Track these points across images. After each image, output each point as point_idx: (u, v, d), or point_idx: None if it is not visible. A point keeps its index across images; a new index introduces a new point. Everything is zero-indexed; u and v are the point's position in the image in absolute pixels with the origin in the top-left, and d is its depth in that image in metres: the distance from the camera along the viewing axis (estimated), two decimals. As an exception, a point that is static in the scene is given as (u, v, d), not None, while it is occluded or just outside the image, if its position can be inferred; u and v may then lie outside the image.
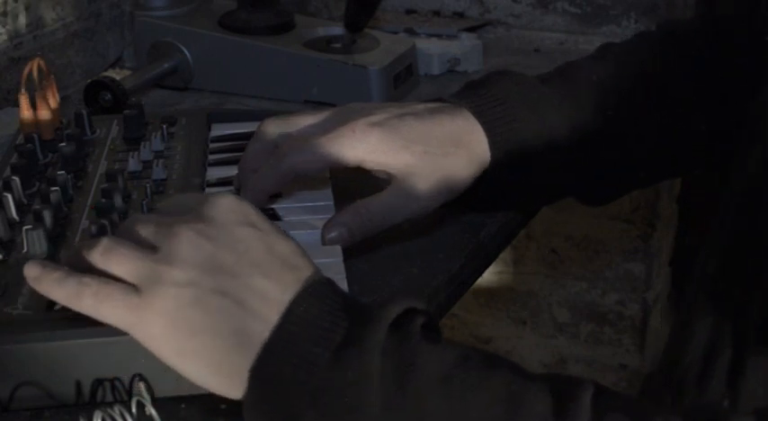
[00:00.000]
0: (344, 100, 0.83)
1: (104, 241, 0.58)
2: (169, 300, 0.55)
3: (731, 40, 0.84)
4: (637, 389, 1.66)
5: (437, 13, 1.48)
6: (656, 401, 0.67)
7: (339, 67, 1.09)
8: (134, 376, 0.60)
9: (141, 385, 0.59)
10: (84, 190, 0.77)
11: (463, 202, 0.79)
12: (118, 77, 1.07)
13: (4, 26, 1.09)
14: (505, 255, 1.64)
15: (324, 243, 0.72)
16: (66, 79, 1.16)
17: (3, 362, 0.59)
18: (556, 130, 0.79)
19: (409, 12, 1.50)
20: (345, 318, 0.54)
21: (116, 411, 0.57)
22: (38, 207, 0.70)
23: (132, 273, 0.56)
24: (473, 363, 0.53)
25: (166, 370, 0.56)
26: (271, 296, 0.55)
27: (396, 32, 1.30)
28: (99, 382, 0.60)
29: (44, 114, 0.84)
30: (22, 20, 1.11)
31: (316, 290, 0.55)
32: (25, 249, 0.67)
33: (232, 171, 0.80)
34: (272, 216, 0.76)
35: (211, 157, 0.85)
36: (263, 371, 0.53)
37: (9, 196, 0.72)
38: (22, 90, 0.83)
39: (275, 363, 0.53)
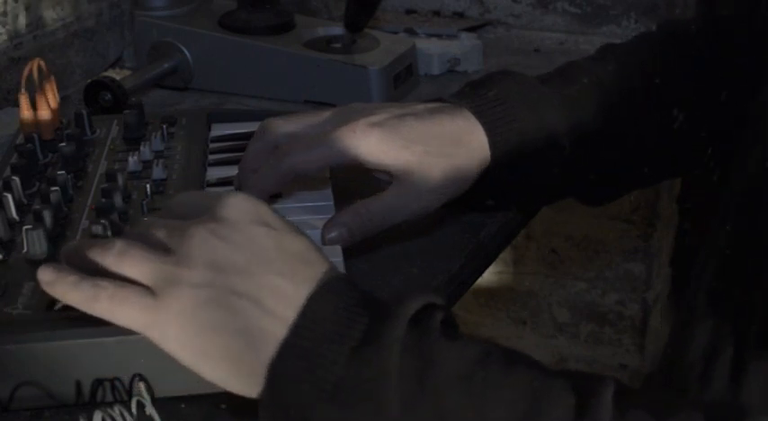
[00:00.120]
0: (344, 100, 0.83)
1: (118, 243, 0.57)
2: (185, 301, 0.54)
3: (731, 40, 0.84)
4: (637, 390, 1.65)
5: (437, 13, 1.48)
6: (676, 394, 0.66)
7: (339, 67, 1.09)
8: (134, 376, 0.60)
9: (141, 385, 0.59)
10: (84, 190, 0.77)
11: (463, 202, 0.79)
12: (118, 77, 1.07)
13: (4, 26, 1.09)
14: (505, 255, 1.64)
15: (324, 243, 0.72)
16: (66, 79, 1.16)
17: (3, 362, 0.59)
18: (556, 130, 0.79)
19: (409, 12, 1.50)
20: (362, 315, 0.53)
21: (116, 411, 0.57)
22: (38, 207, 0.70)
23: (147, 276, 0.56)
24: (494, 360, 0.52)
25: (166, 370, 0.56)
26: (286, 294, 0.54)
27: (396, 32, 1.30)
28: (99, 382, 0.60)
29: (44, 114, 0.84)
30: (22, 20, 1.11)
31: (331, 286, 0.55)
32: (25, 249, 0.67)
33: (232, 171, 0.80)
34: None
35: (211, 157, 0.85)
36: (281, 369, 0.53)
37: (9, 196, 0.72)
38: (22, 90, 0.83)
39: (293, 361, 0.53)
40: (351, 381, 0.51)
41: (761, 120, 0.69)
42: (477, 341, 0.54)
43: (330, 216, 0.74)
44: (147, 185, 0.75)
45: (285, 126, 0.77)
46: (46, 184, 0.74)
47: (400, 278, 0.74)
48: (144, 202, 0.73)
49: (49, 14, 1.15)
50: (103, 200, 0.72)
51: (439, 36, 1.30)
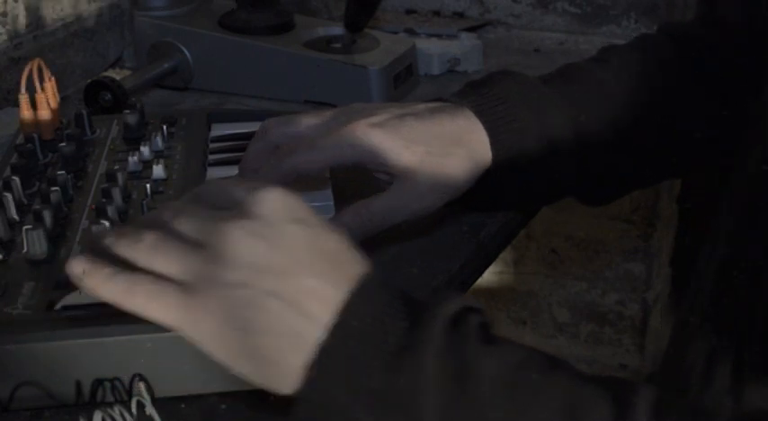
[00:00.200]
0: (344, 100, 0.84)
1: (149, 236, 0.56)
2: (222, 300, 0.53)
3: (732, 40, 0.84)
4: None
5: (437, 13, 1.48)
6: (715, 403, 0.66)
7: (339, 67, 1.09)
8: (134, 376, 0.60)
9: (141, 385, 0.59)
10: (84, 190, 0.77)
11: (463, 202, 0.78)
12: (118, 77, 1.07)
13: (4, 26, 1.09)
14: (505, 255, 1.64)
15: (324, 243, 0.72)
16: (66, 79, 1.16)
17: (3, 362, 0.58)
18: (557, 131, 0.79)
19: (409, 12, 1.50)
20: (398, 318, 0.53)
21: (116, 411, 0.57)
22: (38, 207, 0.70)
23: (181, 272, 0.54)
24: (533, 366, 0.52)
25: (166, 370, 0.56)
26: (323, 295, 0.53)
27: (396, 32, 1.30)
28: (99, 382, 0.60)
29: (44, 114, 0.84)
30: (22, 20, 1.11)
31: (367, 287, 0.54)
32: (25, 249, 0.67)
33: (232, 171, 0.80)
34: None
35: (211, 157, 0.85)
36: (318, 371, 0.52)
37: (9, 196, 0.72)
38: (22, 90, 0.83)
39: (330, 364, 0.52)
40: (388, 386, 0.51)
41: (761, 121, 0.69)
42: (516, 346, 0.53)
43: (330, 216, 0.74)
44: (147, 185, 0.75)
45: (286, 126, 0.77)
46: (46, 184, 0.74)
47: (400, 278, 0.74)
48: (144, 202, 0.73)
49: (49, 14, 1.15)
50: (103, 200, 0.72)
51: (439, 36, 1.30)
